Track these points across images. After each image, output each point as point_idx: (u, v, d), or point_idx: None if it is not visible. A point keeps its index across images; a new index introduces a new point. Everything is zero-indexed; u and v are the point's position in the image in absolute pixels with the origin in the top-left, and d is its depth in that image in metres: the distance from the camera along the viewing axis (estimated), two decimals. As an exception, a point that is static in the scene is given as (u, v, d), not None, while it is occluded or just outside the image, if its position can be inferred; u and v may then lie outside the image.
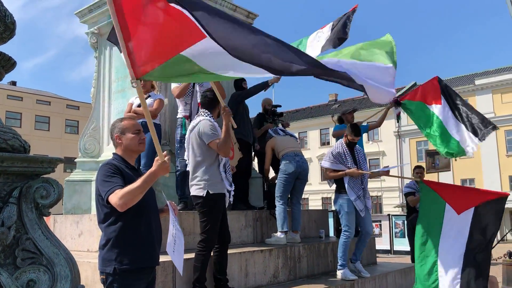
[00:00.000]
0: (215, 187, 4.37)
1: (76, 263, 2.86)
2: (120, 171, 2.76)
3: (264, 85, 6.69)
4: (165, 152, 2.65)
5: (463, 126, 5.70)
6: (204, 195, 4.35)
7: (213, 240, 4.37)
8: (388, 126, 42.59)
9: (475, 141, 5.58)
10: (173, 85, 5.89)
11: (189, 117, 5.76)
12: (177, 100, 5.96)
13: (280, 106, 7.45)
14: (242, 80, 6.82)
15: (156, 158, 2.60)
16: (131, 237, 2.69)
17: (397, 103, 6.34)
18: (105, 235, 2.72)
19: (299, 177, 6.26)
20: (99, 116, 7.03)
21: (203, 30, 2.52)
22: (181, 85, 5.78)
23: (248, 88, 6.76)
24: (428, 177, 10.97)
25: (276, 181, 6.40)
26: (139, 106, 5.82)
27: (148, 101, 5.83)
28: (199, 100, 5.50)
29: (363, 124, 7.71)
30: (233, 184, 4.60)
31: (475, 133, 5.62)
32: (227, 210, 4.69)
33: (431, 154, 17.58)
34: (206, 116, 4.62)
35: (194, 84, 5.85)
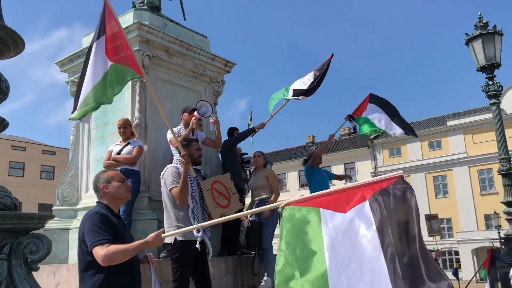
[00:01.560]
0: (183, 234, 4.34)
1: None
2: (109, 222, 2.83)
3: (251, 131, 7.04)
4: (161, 229, 2.92)
5: (387, 118, 7.81)
6: (172, 242, 4.37)
7: None
8: (365, 167, 43.16)
9: (399, 131, 7.82)
10: (169, 135, 5.93)
11: None
12: (171, 147, 5.98)
13: (247, 153, 7.65)
14: (235, 129, 7.13)
15: (151, 235, 2.80)
16: (115, 286, 2.72)
17: (351, 117, 8.10)
18: (88, 283, 2.74)
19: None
20: (78, 163, 7.03)
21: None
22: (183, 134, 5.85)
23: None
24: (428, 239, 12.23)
25: (265, 223, 6.27)
26: (118, 153, 5.89)
27: (128, 148, 5.91)
28: None
29: (329, 172, 8.22)
30: (206, 230, 4.59)
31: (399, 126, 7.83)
32: (211, 256, 4.69)
33: (429, 219, 19.09)
34: (177, 163, 4.74)
35: (192, 133, 5.96)
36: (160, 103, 4.85)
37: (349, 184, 2.95)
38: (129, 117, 6.35)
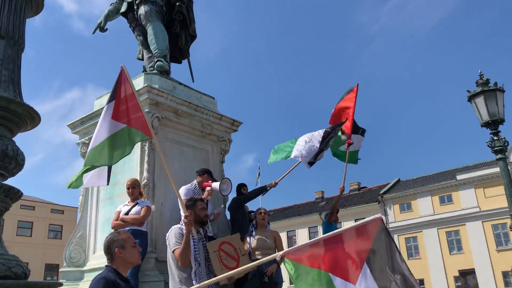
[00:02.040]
0: None
1: None
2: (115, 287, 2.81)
3: (263, 190, 7.07)
4: None
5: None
6: None
7: None
8: (376, 223, 42.30)
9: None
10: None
11: None
12: (180, 206, 6.01)
13: (253, 211, 7.64)
14: (243, 185, 7.15)
15: None
16: None
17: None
18: None
19: None
20: (86, 224, 7.06)
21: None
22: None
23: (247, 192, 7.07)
24: None
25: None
26: (126, 213, 5.93)
27: (136, 208, 5.95)
28: (215, 211, 5.78)
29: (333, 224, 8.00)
30: None
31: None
32: None
33: (464, 275, 18.20)
34: (181, 223, 4.75)
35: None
36: (167, 164, 4.92)
37: (343, 234, 3.23)
38: (138, 177, 6.44)
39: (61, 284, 3.14)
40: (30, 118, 3.00)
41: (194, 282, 4.43)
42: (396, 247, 3.15)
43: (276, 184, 7.12)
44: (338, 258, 3.01)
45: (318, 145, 7.22)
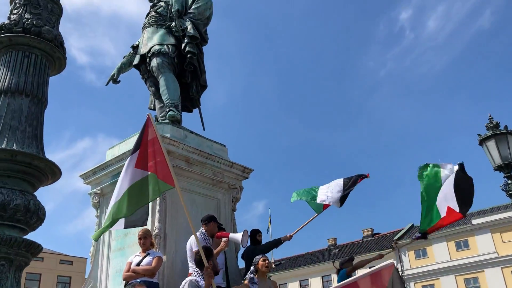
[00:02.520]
0: None
1: None
2: None
3: (278, 243, 7.06)
4: None
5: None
6: None
7: None
8: (391, 271, 41.12)
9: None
10: (189, 245, 5.96)
11: None
12: (188, 256, 5.95)
13: None
14: (257, 231, 7.09)
15: None
16: None
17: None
18: None
19: None
20: (97, 276, 6.96)
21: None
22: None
23: (262, 241, 7.02)
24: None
25: None
26: (138, 264, 5.84)
27: (147, 259, 5.88)
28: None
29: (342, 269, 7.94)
30: None
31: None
32: None
33: None
34: (196, 276, 4.65)
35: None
36: (187, 211, 4.90)
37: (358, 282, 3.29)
38: (149, 227, 6.40)
39: None
40: (52, 173, 3.07)
41: None
42: None
43: (291, 237, 7.18)
44: None
45: (340, 190, 7.33)
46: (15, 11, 4.28)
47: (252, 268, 5.73)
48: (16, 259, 4.05)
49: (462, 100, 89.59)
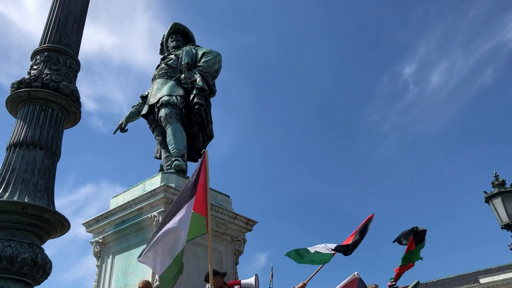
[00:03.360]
0: None
1: None
2: None
3: None
4: None
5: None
6: None
7: None
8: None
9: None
10: None
11: None
12: None
13: None
14: None
15: None
16: None
17: None
18: None
19: None
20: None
21: None
22: None
23: None
24: None
25: None
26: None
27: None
28: None
29: None
30: None
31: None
32: None
33: None
34: None
35: None
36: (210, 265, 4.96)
37: None
38: (150, 279, 6.26)
39: None
40: (60, 226, 3.08)
41: None
42: None
43: (305, 285, 6.71)
44: None
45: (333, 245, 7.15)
46: (35, 67, 4.44)
47: None
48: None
49: (466, 155, 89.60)
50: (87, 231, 7.71)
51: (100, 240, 7.37)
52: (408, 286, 42.94)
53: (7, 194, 3.77)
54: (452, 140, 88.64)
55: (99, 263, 7.35)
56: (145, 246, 6.75)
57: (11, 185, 3.86)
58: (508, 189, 8.15)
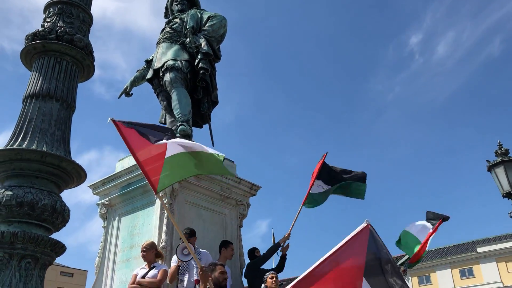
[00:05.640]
0: None
1: None
2: None
3: (277, 246, 6.99)
4: None
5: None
6: None
7: None
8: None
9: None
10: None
11: None
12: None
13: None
14: (254, 249, 7.08)
15: None
16: None
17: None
18: None
19: None
20: (101, 287, 6.94)
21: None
22: (170, 269, 5.93)
23: (261, 255, 6.96)
24: None
25: None
26: (143, 277, 5.84)
27: (152, 271, 5.87)
28: (195, 277, 5.61)
29: None
30: None
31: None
32: None
33: None
34: None
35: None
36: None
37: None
38: (156, 240, 6.40)
39: None
40: (77, 176, 3.15)
41: None
42: (387, 252, 3.58)
43: (288, 235, 7.07)
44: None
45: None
46: (48, 19, 4.43)
47: (262, 286, 5.85)
48: (41, 258, 4.14)
49: (470, 126, 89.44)
50: (93, 193, 7.82)
51: (107, 202, 7.49)
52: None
53: (25, 143, 3.85)
54: (457, 110, 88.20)
55: (105, 225, 7.49)
56: (150, 208, 6.87)
57: (29, 134, 3.93)
58: (511, 158, 8.20)
